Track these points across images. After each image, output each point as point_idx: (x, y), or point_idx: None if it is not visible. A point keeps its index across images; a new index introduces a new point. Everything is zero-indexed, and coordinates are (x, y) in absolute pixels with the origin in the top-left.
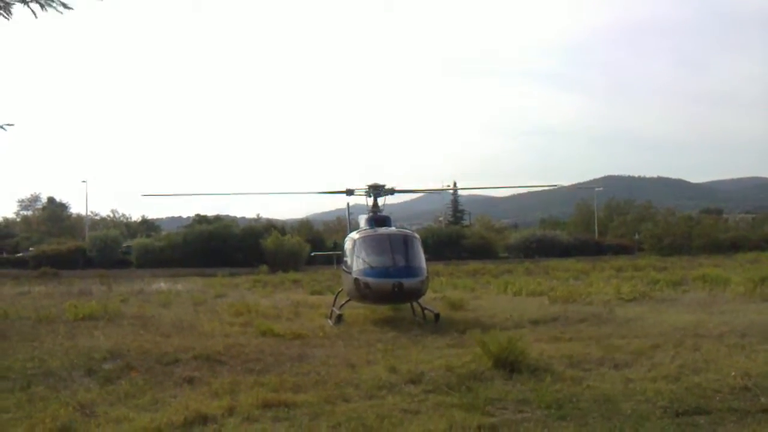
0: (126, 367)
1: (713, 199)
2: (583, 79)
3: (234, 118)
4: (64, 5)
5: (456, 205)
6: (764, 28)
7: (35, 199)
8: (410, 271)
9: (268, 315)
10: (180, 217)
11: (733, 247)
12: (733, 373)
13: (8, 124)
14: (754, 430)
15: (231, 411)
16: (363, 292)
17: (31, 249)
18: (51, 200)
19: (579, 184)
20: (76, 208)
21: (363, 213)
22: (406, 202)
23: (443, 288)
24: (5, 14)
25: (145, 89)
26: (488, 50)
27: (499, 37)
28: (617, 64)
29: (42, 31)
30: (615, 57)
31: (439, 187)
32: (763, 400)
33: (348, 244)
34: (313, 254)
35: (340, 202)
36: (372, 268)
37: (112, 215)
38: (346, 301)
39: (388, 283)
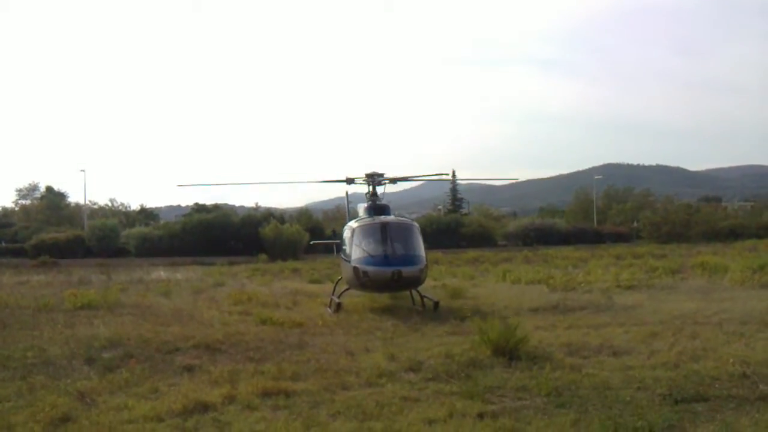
0: (126, 356)
1: (712, 187)
2: (582, 65)
3: (234, 107)
4: None
5: (455, 194)
6: (764, 15)
7: (33, 188)
8: (409, 259)
9: (268, 303)
10: (179, 206)
11: (732, 234)
12: (731, 361)
13: None
14: (752, 417)
15: (231, 399)
16: (362, 281)
17: None
18: (49, 189)
19: (578, 172)
20: (75, 197)
21: (362, 202)
22: (405, 191)
23: (442, 276)
24: None
25: (145, 77)
26: (487, 38)
27: (498, 25)
28: (616, 50)
29: (41, 19)
30: (614, 43)
31: (437, 175)
32: (761, 387)
33: (347, 233)
34: (312, 243)
35: (339, 191)
36: (371, 256)
37: (110, 204)
38: (346, 290)
39: (387, 271)
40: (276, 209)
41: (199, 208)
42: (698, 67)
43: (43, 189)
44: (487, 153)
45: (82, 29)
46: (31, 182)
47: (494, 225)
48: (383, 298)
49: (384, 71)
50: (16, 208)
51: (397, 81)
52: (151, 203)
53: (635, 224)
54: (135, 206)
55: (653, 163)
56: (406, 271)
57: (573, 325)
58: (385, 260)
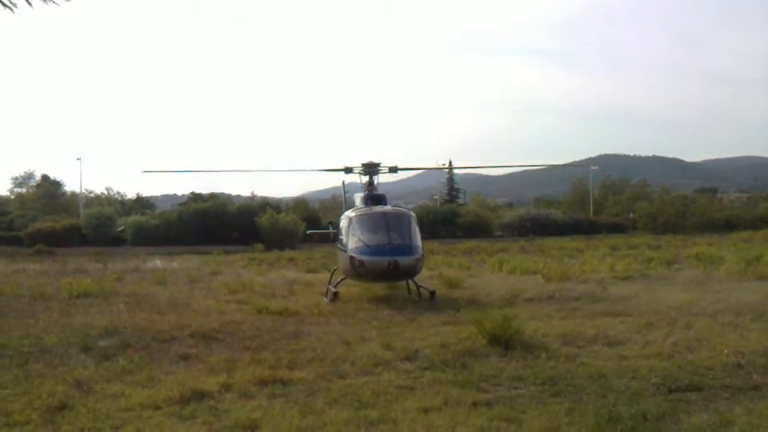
0: (122, 345)
1: (708, 178)
2: (579, 56)
3: (232, 96)
4: None
5: (451, 184)
6: (762, 6)
7: (29, 176)
8: (405, 249)
9: (264, 293)
10: (175, 195)
11: (728, 226)
12: (725, 351)
13: None
14: (746, 407)
15: (227, 388)
16: (358, 270)
17: None
18: (45, 177)
19: (574, 162)
20: (71, 185)
21: (358, 191)
22: (401, 180)
23: (438, 266)
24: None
25: (141, 66)
26: (486, 27)
27: (495, 14)
28: (613, 40)
29: (37, 8)
30: (611, 33)
31: (434, 165)
32: (755, 377)
33: (343, 222)
34: (308, 232)
35: (336, 180)
36: (367, 246)
37: (106, 193)
38: (342, 279)
39: (383, 261)
40: (272, 198)
41: (195, 197)
42: (695, 57)
43: (38, 177)
44: (484, 143)
45: (77, 17)
46: (26, 170)
47: (490, 215)
48: (379, 288)
49: (380, 61)
50: (12, 197)
51: (393, 71)
52: (147, 192)
53: (631, 215)
54: (131, 195)
55: (650, 153)
56: (403, 260)
57: (568, 315)
58: (381, 250)
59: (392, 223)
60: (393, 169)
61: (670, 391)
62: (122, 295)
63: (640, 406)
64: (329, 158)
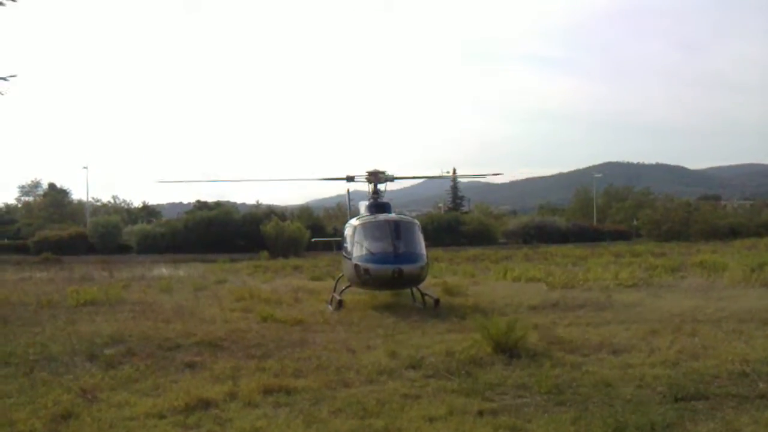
0: (128, 353)
1: (712, 185)
2: (582, 63)
3: (237, 104)
4: None
5: (455, 192)
6: (765, 12)
7: (36, 185)
8: (410, 257)
9: (269, 301)
10: (181, 203)
11: (731, 233)
12: (731, 359)
13: (11, 75)
14: (752, 415)
15: (232, 396)
16: (363, 278)
17: None
18: (52, 186)
19: (578, 170)
20: (78, 194)
21: (363, 199)
22: (405, 188)
23: (443, 274)
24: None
25: (147, 75)
26: (488, 34)
27: (498, 22)
28: (616, 47)
29: (43, 15)
30: (615, 40)
31: (438, 173)
32: (761, 385)
33: (348, 231)
34: (313, 240)
35: (341, 189)
36: (372, 254)
37: (113, 201)
38: (347, 287)
39: (388, 269)
40: (277, 206)
41: (201, 206)
42: (699, 64)
43: (45, 186)
44: (487, 151)
45: (84, 26)
46: (33, 179)
47: (494, 223)
48: (384, 296)
49: (383, 69)
50: (19, 205)
51: (397, 78)
52: (153, 200)
53: (635, 222)
54: (137, 203)
55: (653, 161)
56: (407, 268)
57: (573, 323)
58: (386, 258)
59: (397, 231)
60: (398, 178)
61: (676, 400)
62: (128, 303)
63: (646, 415)
64: (333, 166)
